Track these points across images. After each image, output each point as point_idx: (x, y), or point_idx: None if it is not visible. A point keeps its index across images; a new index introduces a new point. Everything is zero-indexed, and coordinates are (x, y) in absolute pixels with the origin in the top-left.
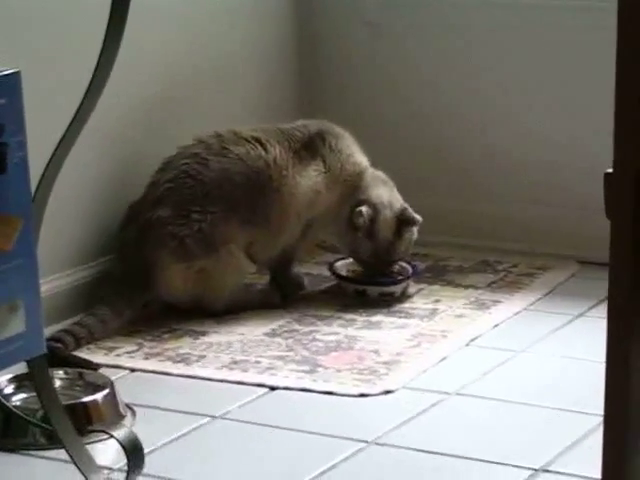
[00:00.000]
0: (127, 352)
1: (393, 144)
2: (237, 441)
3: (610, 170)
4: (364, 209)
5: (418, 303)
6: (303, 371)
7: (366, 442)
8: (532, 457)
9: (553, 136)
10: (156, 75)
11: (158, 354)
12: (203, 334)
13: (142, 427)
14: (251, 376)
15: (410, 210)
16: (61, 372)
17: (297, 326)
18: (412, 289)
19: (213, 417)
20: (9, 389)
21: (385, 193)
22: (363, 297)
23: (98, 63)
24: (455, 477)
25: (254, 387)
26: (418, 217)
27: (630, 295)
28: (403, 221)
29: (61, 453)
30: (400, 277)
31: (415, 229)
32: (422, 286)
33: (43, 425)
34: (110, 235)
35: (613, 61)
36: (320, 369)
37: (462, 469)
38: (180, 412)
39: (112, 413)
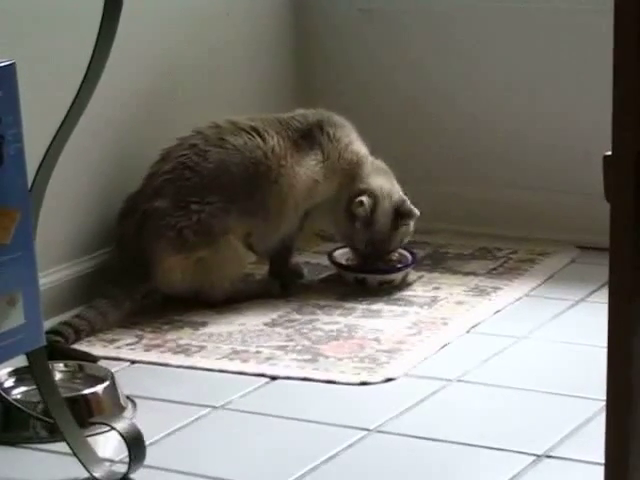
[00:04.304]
0: (127, 344)
1: (390, 131)
2: (238, 431)
3: (609, 153)
4: (365, 199)
5: (418, 291)
6: (304, 360)
7: (368, 430)
8: (535, 443)
9: (551, 120)
10: (153, 66)
11: (158, 345)
12: (203, 325)
13: (143, 419)
14: (252, 366)
15: (408, 203)
16: (61, 365)
17: (297, 315)
18: (412, 277)
19: (214, 408)
20: (9, 382)
21: (385, 183)
22: (363, 285)
23: (93, 54)
24: (457, 464)
25: (255, 377)
26: (416, 211)
27: (631, 279)
28: (401, 213)
29: (62, 446)
30: (400, 265)
31: (412, 222)
32: (422, 274)
33: (44, 418)
34: (109, 227)
35: (611, 44)
36: (321, 358)
37: (464, 456)
38: (181, 403)
39: (113, 405)
